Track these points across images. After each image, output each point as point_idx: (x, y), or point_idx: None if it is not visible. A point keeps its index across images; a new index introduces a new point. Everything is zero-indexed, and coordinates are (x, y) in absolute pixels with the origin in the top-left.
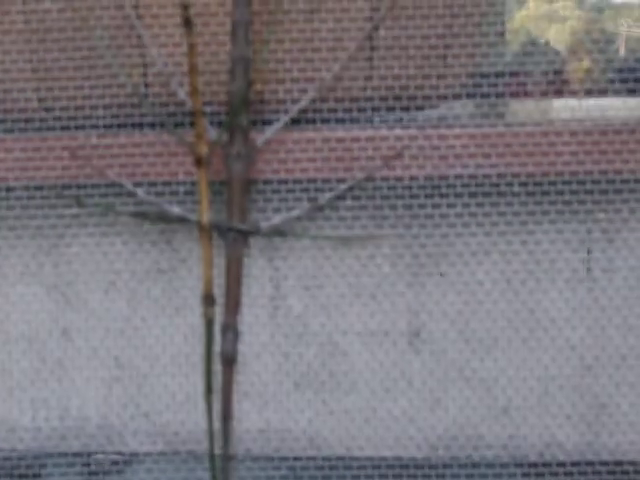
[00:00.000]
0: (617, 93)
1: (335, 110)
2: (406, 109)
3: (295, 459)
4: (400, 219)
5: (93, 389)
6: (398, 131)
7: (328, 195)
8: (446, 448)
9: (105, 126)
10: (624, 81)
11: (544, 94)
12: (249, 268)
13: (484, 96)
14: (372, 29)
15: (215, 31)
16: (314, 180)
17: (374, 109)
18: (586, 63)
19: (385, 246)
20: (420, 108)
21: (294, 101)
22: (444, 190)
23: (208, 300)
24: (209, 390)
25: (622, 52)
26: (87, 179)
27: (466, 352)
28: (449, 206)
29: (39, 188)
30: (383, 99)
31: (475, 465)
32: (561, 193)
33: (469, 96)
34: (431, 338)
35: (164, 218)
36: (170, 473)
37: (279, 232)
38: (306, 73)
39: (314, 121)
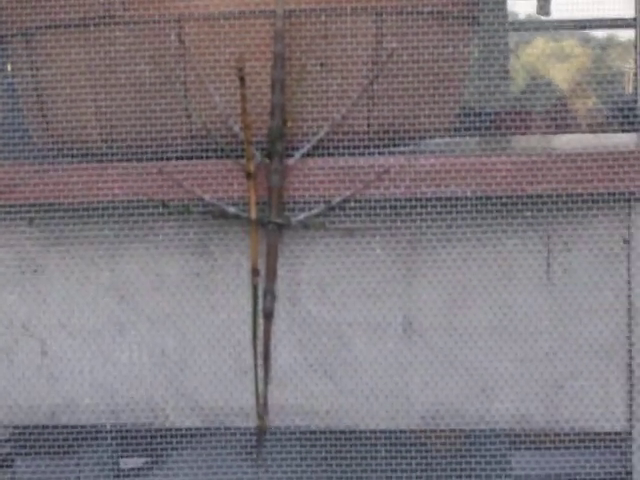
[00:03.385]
0: (623, 130)
1: (343, 142)
2: (401, 142)
3: (310, 431)
4: (393, 230)
5: (145, 375)
6: (390, 158)
7: (338, 198)
8: (435, 420)
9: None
10: (629, 118)
11: (547, 130)
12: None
13: (487, 132)
14: (372, 79)
15: (259, 85)
16: (324, 195)
17: (374, 142)
18: (591, 100)
19: (382, 250)
20: (411, 141)
21: (313, 134)
22: (427, 206)
23: (254, 272)
24: (255, 336)
25: (629, 90)
26: (152, 197)
27: (450, 341)
28: (433, 219)
29: (96, 207)
30: (383, 133)
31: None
32: (525, 209)
33: (466, 132)
34: (421, 328)
35: (224, 215)
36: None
37: (304, 225)
38: (322, 114)
39: (328, 150)
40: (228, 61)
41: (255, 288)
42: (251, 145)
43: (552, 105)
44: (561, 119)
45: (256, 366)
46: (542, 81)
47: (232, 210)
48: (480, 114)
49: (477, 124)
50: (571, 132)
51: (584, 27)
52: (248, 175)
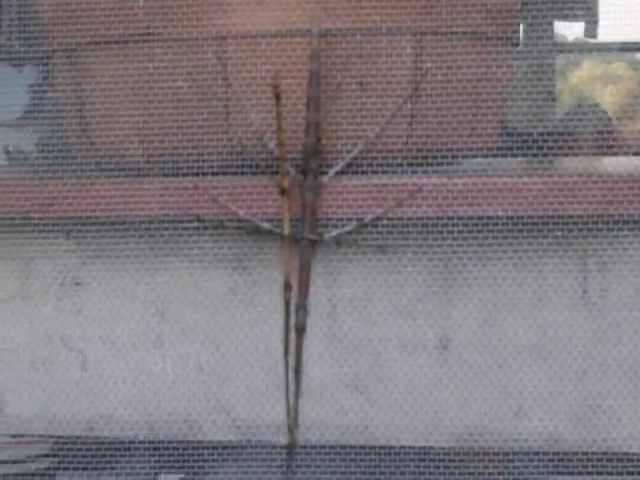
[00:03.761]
0: None
1: (380, 161)
2: (440, 162)
3: (346, 447)
4: (425, 248)
5: (180, 388)
6: (423, 177)
7: (370, 216)
8: (469, 440)
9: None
10: None
11: (593, 152)
12: (314, 292)
13: (531, 153)
14: (406, 98)
15: (295, 102)
16: (357, 212)
17: (413, 162)
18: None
19: (413, 267)
20: (451, 161)
21: (348, 152)
22: (459, 224)
23: (287, 287)
24: (286, 350)
25: None
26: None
27: (486, 362)
28: (467, 239)
29: (135, 222)
30: (421, 153)
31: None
32: (561, 230)
33: (509, 152)
34: (456, 347)
35: (258, 230)
36: None
37: (337, 241)
38: (357, 132)
39: (365, 168)
40: (265, 79)
41: (287, 303)
42: (285, 162)
43: (599, 127)
44: (607, 141)
45: (287, 380)
46: (589, 102)
47: (266, 226)
48: (524, 135)
49: (521, 145)
50: (618, 154)
51: (631, 50)
52: (282, 191)
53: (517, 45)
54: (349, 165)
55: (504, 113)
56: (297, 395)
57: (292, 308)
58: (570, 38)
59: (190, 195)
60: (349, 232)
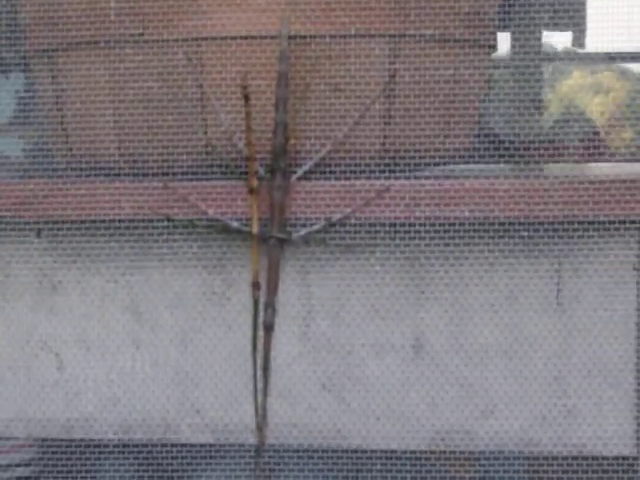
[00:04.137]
0: None
1: (348, 163)
2: (414, 168)
3: (319, 450)
4: (392, 247)
5: (156, 390)
6: (391, 179)
7: (338, 215)
8: (442, 442)
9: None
10: None
11: (578, 159)
12: (284, 291)
13: (512, 159)
14: (374, 99)
15: (264, 103)
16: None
17: (385, 166)
18: (628, 134)
19: (392, 271)
20: (421, 168)
21: (316, 152)
22: (426, 224)
23: (255, 285)
24: (254, 348)
25: None
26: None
27: (460, 362)
28: (436, 240)
29: (114, 225)
30: (397, 157)
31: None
32: (535, 234)
33: (489, 158)
34: (430, 350)
35: (227, 229)
36: None
37: (305, 240)
38: (325, 133)
39: (334, 172)
40: (235, 79)
41: (256, 302)
42: (254, 161)
43: (585, 135)
44: (594, 149)
45: (255, 378)
46: (575, 111)
47: (235, 225)
48: (505, 142)
49: (502, 151)
50: (603, 161)
51: (617, 59)
52: (251, 191)
53: (493, 49)
54: (319, 167)
55: (480, 117)
56: (265, 393)
57: (261, 307)
58: (559, 48)
59: (160, 195)
60: (317, 231)
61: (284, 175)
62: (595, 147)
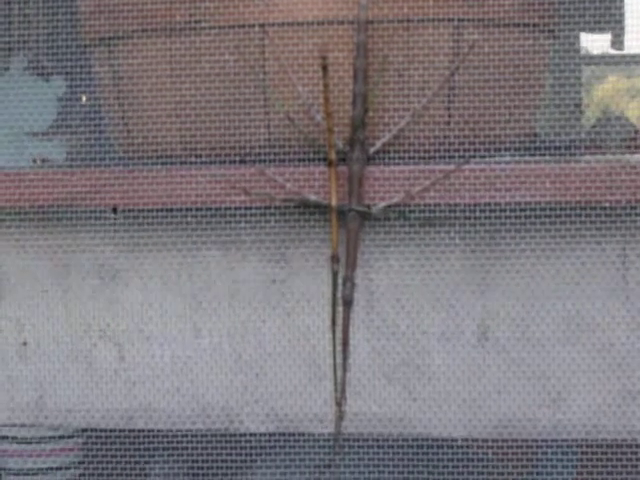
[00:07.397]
0: None
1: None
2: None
3: (384, 439)
4: (471, 235)
5: (217, 379)
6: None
7: (418, 188)
8: (507, 429)
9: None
10: None
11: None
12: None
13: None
14: (453, 70)
15: (342, 75)
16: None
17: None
18: None
19: (457, 259)
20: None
21: (395, 124)
22: (500, 213)
23: (334, 258)
24: (333, 323)
25: None
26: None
27: (525, 350)
28: (507, 229)
29: (175, 214)
30: (460, 142)
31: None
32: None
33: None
34: (495, 338)
35: (305, 204)
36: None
37: (384, 214)
38: (403, 104)
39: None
40: (312, 51)
41: (335, 275)
42: (333, 134)
43: (627, 135)
44: (635, 148)
45: (335, 354)
46: (613, 115)
47: (313, 198)
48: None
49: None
50: None
51: None
52: (330, 163)
53: (554, 34)
54: (393, 145)
55: (539, 106)
56: (344, 369)
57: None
58: (595, 51)
59: (237, 169)
60: (396, 205)
61: (363, 147)
62: (638, 146)
